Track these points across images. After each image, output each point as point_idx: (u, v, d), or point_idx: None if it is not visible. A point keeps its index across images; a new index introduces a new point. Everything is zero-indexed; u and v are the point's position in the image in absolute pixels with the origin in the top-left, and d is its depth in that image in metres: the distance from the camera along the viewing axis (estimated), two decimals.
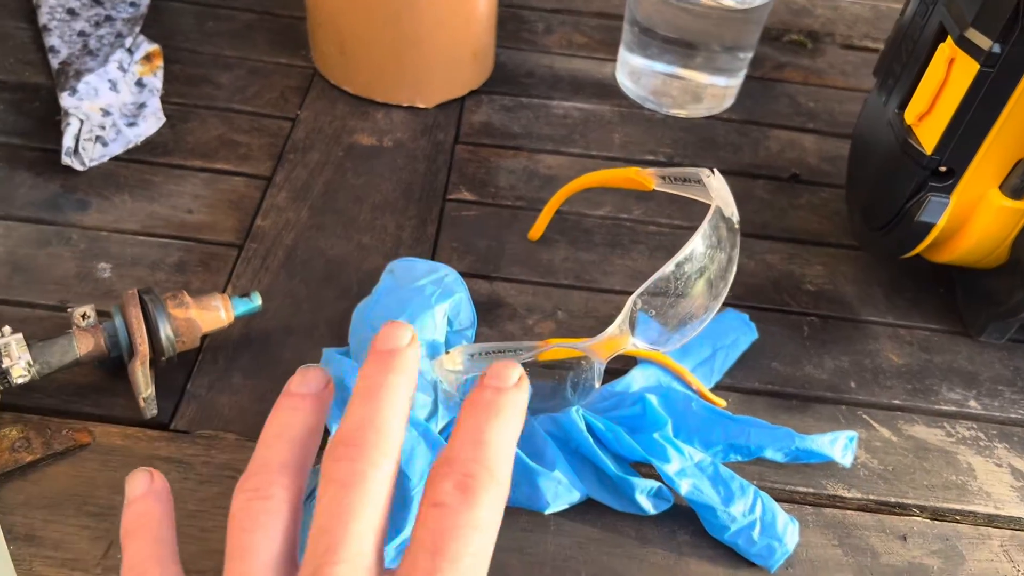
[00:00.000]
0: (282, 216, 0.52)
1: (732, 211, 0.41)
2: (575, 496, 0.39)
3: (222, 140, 0.56)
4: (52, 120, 0.55)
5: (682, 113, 0.62)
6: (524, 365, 0.26)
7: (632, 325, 0.40)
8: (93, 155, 0.53)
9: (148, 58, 0.60)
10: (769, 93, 0.65)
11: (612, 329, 0.39)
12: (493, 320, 0.47)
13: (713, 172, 0.42)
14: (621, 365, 0.44)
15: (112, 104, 0.56)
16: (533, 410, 0.40)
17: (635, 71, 0.62)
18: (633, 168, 0.45)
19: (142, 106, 0.57)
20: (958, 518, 0.41)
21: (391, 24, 0.56)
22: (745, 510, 0.38)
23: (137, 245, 0.49)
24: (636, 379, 0.44)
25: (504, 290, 0.49)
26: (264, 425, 0.25)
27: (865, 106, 0.51)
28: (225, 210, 0.52)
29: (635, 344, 0.40)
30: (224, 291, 0.47)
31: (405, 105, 0.60)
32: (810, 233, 0.55)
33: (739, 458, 0.42)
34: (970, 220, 0.45)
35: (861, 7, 0.76)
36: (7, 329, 0.39)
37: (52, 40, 0.60)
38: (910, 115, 0.44)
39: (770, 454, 0.41)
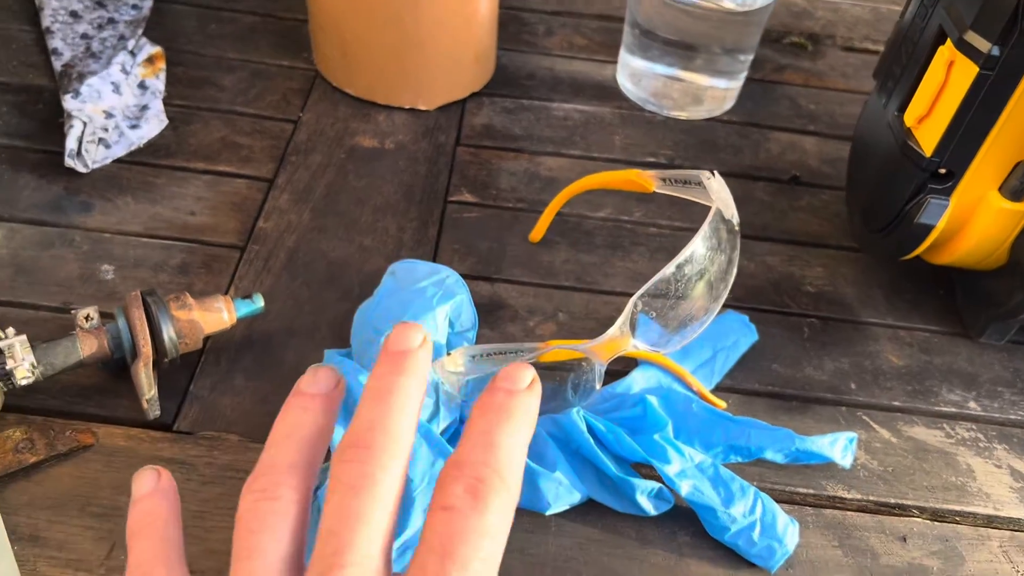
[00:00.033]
0: (284, 218, 0.52)
1: (732, 213, 0.41)
2: (576, 497, 0.39)
3: (224, 142, 0.57)
4: (55, 122, 0.56)
5: (682, 115, 0.62)
6: None
7: (633, 327, 0.40)
8: (96, 157, 0.53)
9: (151, 60, 0.60)
10: (769, 95, 0.65)
11: (613, 331, 0.40)
12: (494, 322, 0.48)
13: (713, 174, 0.42)
14: (622, 367, 0.45)
15: (115, 106, 0.56)
16: None
17: (636, 73, 0.62)
18: (634, 170, 0.45)
19: (144, 108, 0.57)
20: (958, 519, 0.42)
21: (393, 26, 0.56)
22: (745, 511, 0.38)
23: (140, 247, 0.49)
24: (637, 380, 0.44)
25: (505, 292, 0.49)
26: (273, 424, 0.25)
27: (865, 108, 0.52)
28: (227, 212, 0.52)
29: (636, 346, 0.40)
30: (226, 293, 0.47)
31: (407, 107, 0.60)
32: (810, 235, 0.55)
33: (739, 459, 0.42)
34: (970, 222, 0.45)
35: (861, 9, 0.76)
36: (11, 331, 0.39)
37: (55, 42, 0.60)
38: (910, 117, 0.44)
39: (770, 455, 0.41)
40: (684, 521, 0.40)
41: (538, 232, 0.52)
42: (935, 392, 0.47)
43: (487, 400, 0.24)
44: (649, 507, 0.39)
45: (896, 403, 0.46)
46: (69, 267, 0.48)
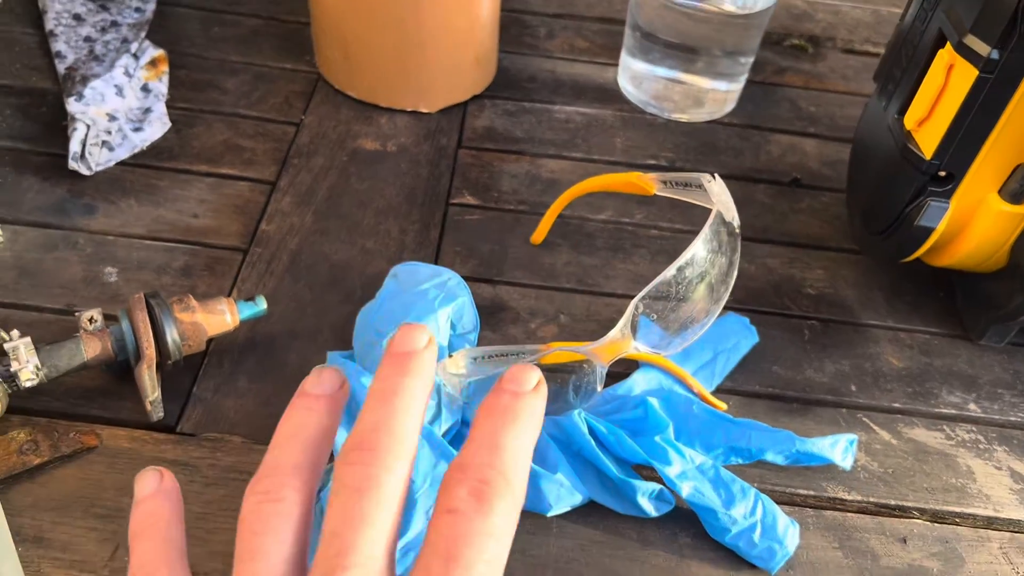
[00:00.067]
0: (287, 221, 0.52)
1: (733, 215, 0.41)
2: (577, 498, 0.39)
3: (227, 145, 0.57)
4: (59, 125, 0.56)
5: (683, 117, 0.63)
6: None
7: (634, 329, 0.40)
8: (99, 160, 0.53)
9: (154, 63, 0.61)
10: (770, 97, 0.66)
11: (614, 333, 0.40)
12: (496, 324, 0.48)
13: (714, 177, 0.42)
14: (623, 368, 0.45)
15: (118, 109, 0.57)
16: None
17: (637, 76, 0.63)
18: (635, 173, 0.46)
19: (148, 111, 0.57)
20: (958, 520, 0.42)
21: (395, 29, 0.56)
22: (746, 512, 0.39)
23: (143, 249, 0.50)
24: (638, 382, 0.45)
25: (507, 294, 0.50)
26: (277, 425, 0.24)
27: (865, 111, 0.52)
28: (230, 215, 0.52)
29: (637, 348, 0.40)
30: (229, 295, 0.48)
31: (409, 110, 0.61)
32: (811, 237, 0.55)
33: (740, 461, 0.42)
34: (969, 224, 0.45)
35: (862, 12, 0.76)
36: (15, 333, 0.39)
37: (59, 45, 0.61)
38: (910, 120, 0.44)
39: (771, 457, 0.41)
40: (685, 523, 0.40)
41: (539, 234, 0.52)
42: (935, 394, 0.47)
43: (493, 402, 0.23)
44: (650, 508, 0.39)
45: (896, 405, 0.46)
46: (73, 269, 0.48)
